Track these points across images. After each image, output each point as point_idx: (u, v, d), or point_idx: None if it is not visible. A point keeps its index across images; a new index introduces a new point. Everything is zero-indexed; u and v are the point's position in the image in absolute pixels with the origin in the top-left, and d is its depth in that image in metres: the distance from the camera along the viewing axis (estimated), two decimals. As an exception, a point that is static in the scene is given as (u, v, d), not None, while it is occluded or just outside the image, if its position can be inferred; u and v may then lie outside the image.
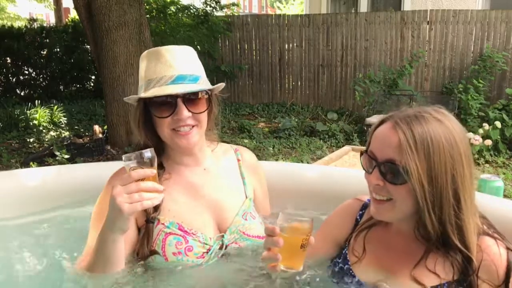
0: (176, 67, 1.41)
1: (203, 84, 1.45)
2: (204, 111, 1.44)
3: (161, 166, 1.48)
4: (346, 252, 1.32)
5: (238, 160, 1.66)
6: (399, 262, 1.21)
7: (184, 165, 1.53)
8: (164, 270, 1.41)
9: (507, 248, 1.14)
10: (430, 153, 1.05)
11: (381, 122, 1.16)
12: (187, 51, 1.48)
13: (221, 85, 1.54)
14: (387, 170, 1.10)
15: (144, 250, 1.39)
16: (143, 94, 1.41)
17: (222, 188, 1.56)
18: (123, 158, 1.23)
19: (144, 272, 1.39)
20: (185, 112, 1.39)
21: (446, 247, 1.14)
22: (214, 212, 1.51)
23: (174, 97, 1.38)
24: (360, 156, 1.19)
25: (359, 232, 1.32)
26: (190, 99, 1.41)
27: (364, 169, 1.18)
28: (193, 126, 1.43)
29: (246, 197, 1.60)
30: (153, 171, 1.21)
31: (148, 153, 1.22)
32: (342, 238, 1.36)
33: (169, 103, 1.39)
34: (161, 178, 1.45)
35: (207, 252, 1.43)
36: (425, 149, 1.05)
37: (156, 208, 1.41)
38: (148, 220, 1.41)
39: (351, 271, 1.28)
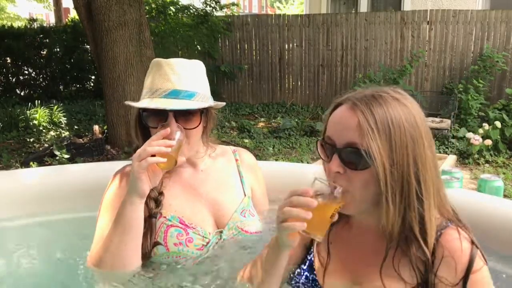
0: (173, 82, 1.43)
1: (200, 101, 1.46)
2: (194, 128, 1.46)
3: None
4: (312, 259, 1.20)
5: (236, 160, 1.69)
6: (365, 265, 1.11)
7: (183, 166, 1.56)
8: (164, 262, 1.45)
9: (472, 243, 1.04)
10: (391, 134, 0.98)
11: (337, 105, 1.09)
12: (191, 65, 1.50)
13: (220, 104, 1.57)
14: (347, 155, 1.01)
15: (146, 244, 1.42)
16: (134, 103, 1.46)
17: (220, 187, 1.60)
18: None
19: (144, 267, 1.42)
20: (174, 127, 1.40)
21: (407, 243, 1.04)
22: (212, 209, 1.55)
23: (167, 110, 1.41)
24: (316, 145, 1.10)
25: None
26: (182, 114, 1.43)
27: (322, 158, 1.09)
28: None
29: (245, 195, 1.63)
30: (168, 130, 1.32)
31: (178, 132, 1.36)
32: (308, 240, 1.22)
33: (160, 114, 1.42)
34: (162, 176, 1.49)
35: (206, 245, 1.48)
36: (386, 130, 0.98)
37: (158, 203, 1.46)
38: (151, 215, 1.45)
39: (316, 283, 1.16)
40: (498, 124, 5.48)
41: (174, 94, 1.42)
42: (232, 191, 1.62)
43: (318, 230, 1.03)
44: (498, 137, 5.49)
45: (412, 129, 1.00)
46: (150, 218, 1.44)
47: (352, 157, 1.01)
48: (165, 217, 1.47)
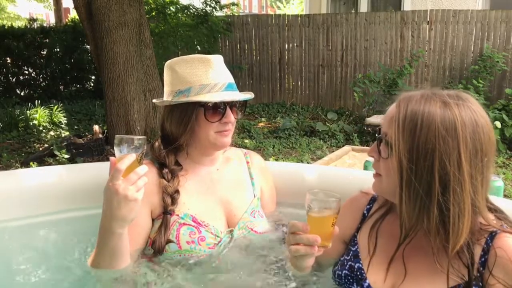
0: (226, 75, 1.54)
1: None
2: (241, 117, 1.59)
3: (178, 164, 1.57)
4: (357, 249, 1.24)
5: (248, 162, 1.74)
6: (408, 258, 1.14)
7: (201, 164, 1.61)
8: (175, 260, 1.46)
9: None
10: (416, 131, 1.01)
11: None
12: (222, 59, 1.59)
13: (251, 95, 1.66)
14: (379, 143, 1.12)
15: (161, 240, 1.45)
16: (202, 98, 1.47)
17: (232, 187, 1.65)
18: (116, 140, 1.30)
19: (156, 263, 1.45)
20: (232, 117, 1.53)
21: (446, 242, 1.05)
22: (224, 208, 1.59)
23: (225, 103, 1.50)
24: None
25: (371, 226, 1.24)
26: (234, 105, 1.54)
27: None
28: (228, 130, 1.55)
29: (254, 196, 1.68)
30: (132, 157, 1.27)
31: (140, 140, 1.29)
32: (349, 234, 1.30)
33: (220, 108, 1.50)
34: (178, 174, 1.55)
35: (218, 244, 1.51)
36: (412, 127, 1.02)
37: (174, 201, 1.49)
38: (167, 212, 1.48)
39: (362, 271, 1.19)
40: (498, 124, 5.48)
41: (231, 87, 1.53)
42: (243, 191, 1.66)
43: (325, 241, 1.14)
44: (498, 137, 5.48)
45: (447, 133, 1.00)
46: (165, 215, 1.47)
47: (380, 145, 1.12)
48: (177, 215, 1.49)
